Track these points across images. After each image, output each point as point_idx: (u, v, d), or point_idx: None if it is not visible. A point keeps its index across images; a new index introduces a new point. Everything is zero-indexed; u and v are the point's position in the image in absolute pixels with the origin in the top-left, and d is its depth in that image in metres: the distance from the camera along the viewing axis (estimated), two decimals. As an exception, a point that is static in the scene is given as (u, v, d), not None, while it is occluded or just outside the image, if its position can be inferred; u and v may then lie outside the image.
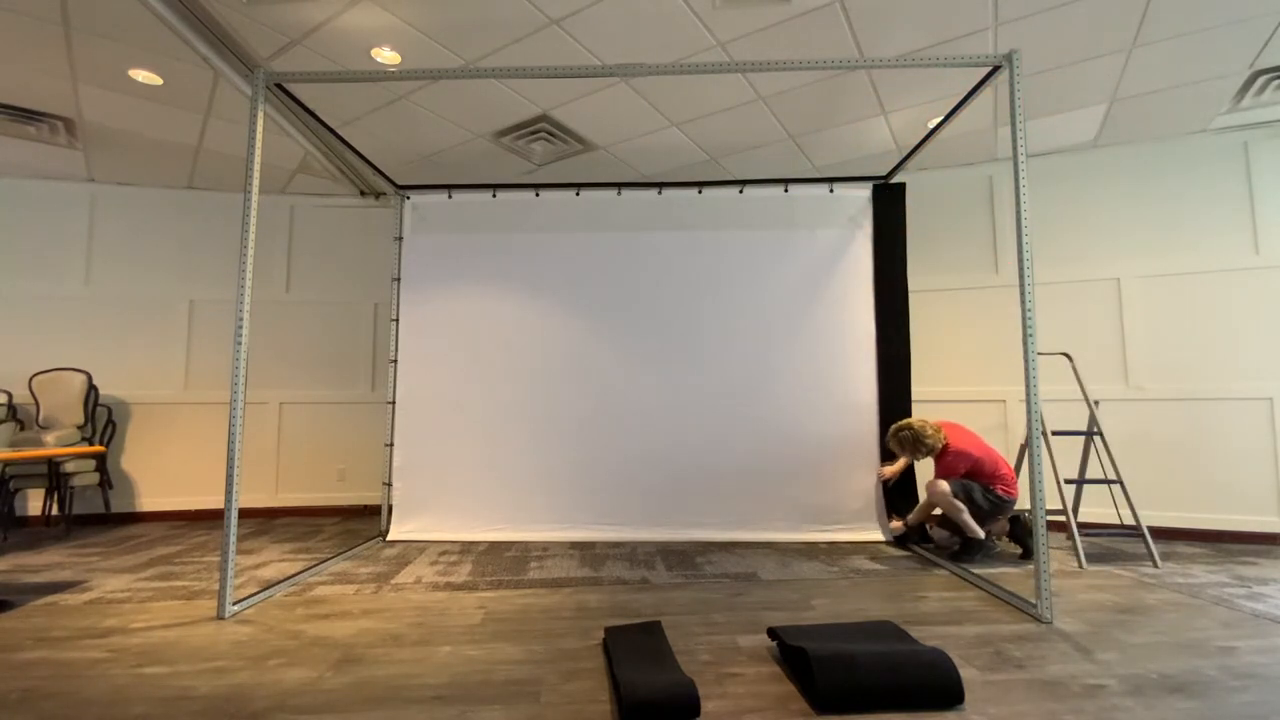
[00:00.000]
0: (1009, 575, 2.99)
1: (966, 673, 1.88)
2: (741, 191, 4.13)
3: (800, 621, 2.35)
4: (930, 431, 3.42)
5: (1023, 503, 4.00)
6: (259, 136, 2.67)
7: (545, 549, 3.61)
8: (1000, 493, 3.32)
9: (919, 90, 3.43)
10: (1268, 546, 3.56)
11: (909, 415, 3.88)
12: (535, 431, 3.99)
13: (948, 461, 3.39)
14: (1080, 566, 3.15)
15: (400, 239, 4.19)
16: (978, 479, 3.35)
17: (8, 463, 3.97)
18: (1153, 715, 1.65)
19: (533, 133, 3.91)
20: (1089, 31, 2.93)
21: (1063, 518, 3.79)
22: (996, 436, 4.19)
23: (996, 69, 2.72)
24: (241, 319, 2.57)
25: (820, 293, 4.02)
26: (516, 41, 3.00)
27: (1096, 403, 3.45)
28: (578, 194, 4.18)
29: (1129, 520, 3.78)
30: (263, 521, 4.52)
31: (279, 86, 3.00)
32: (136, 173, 4.50)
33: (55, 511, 4.23)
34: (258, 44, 3.01)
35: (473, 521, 3.89)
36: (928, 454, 3.44)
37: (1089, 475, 3.65)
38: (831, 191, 4.08)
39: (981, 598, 2.65)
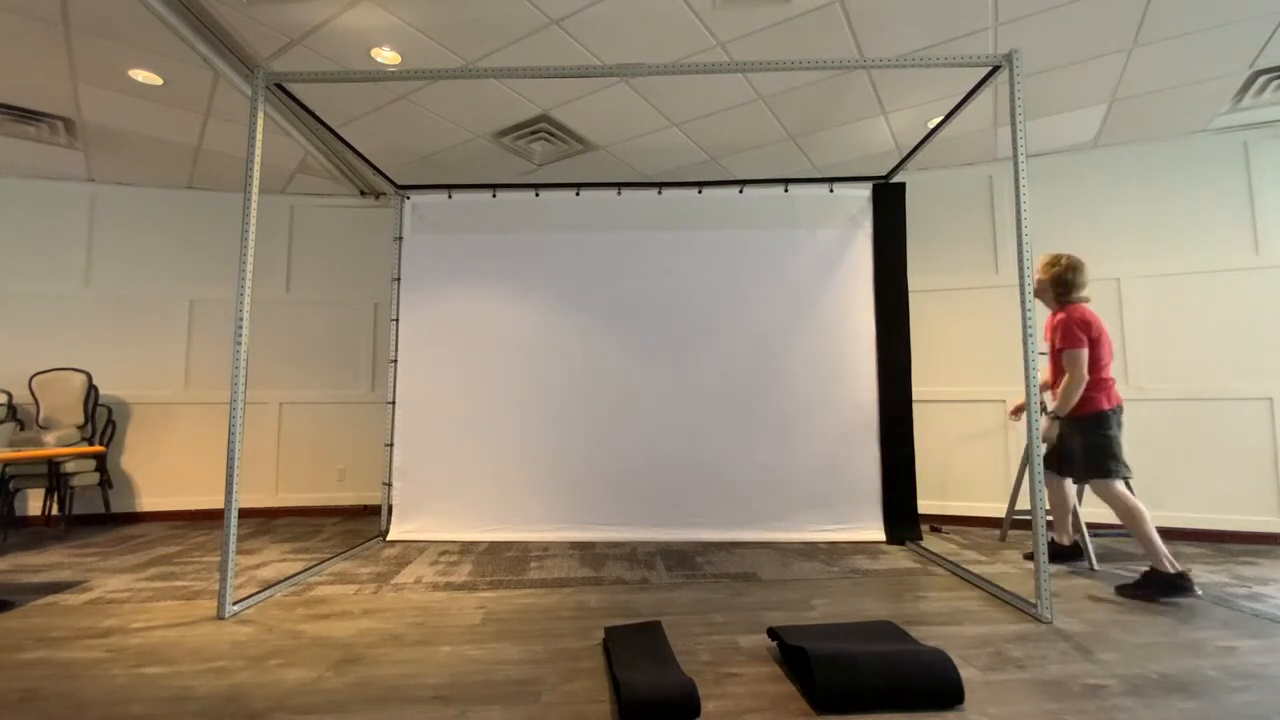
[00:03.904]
0: (1009, 575, 2.99)
1: (966, 673, 1.88)
2: (741, 191, 4.13)
3: (800, 621, 2.35)
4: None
5: (1022, 503, 4.00)
6: (259, 136, 2.67)
7: (545, 549, 3.61)
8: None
9: (919, 90, 3.43)
10: (1268, 546, 3.56)
11: (909, 415, 3.88)
12: (535, 431, 3.99)
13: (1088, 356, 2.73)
14: (1092, 568, 3.12)
15: (400, 239, 4.19)
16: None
17: (8, 463, 3.97)
18: (1153, 715, 1.65)
19: (533, 133, 3.90)
20: (1089, 31, 2.93)
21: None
22: (997, 437, 4.19)
23: (996, 69, 2.72)
24: (241, 319, 2.57)
25: (820, 293, 4.02)
26: (516, 41, 3.00)
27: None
28: (578, 194, 4.18)
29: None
30: (263, 521, 4.52)
31: (279, 86, 3.00)
32: (136, 173, 4.50)
33: (55, 511, 4.23)
34: (258, 44, 3.01)
35: (473, 521, 3.89)
36: (1065, 299, 2.85)
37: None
38: (831, 191, 4.08)
39: (981, 598, 2.65)
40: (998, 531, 3.95)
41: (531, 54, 3.09)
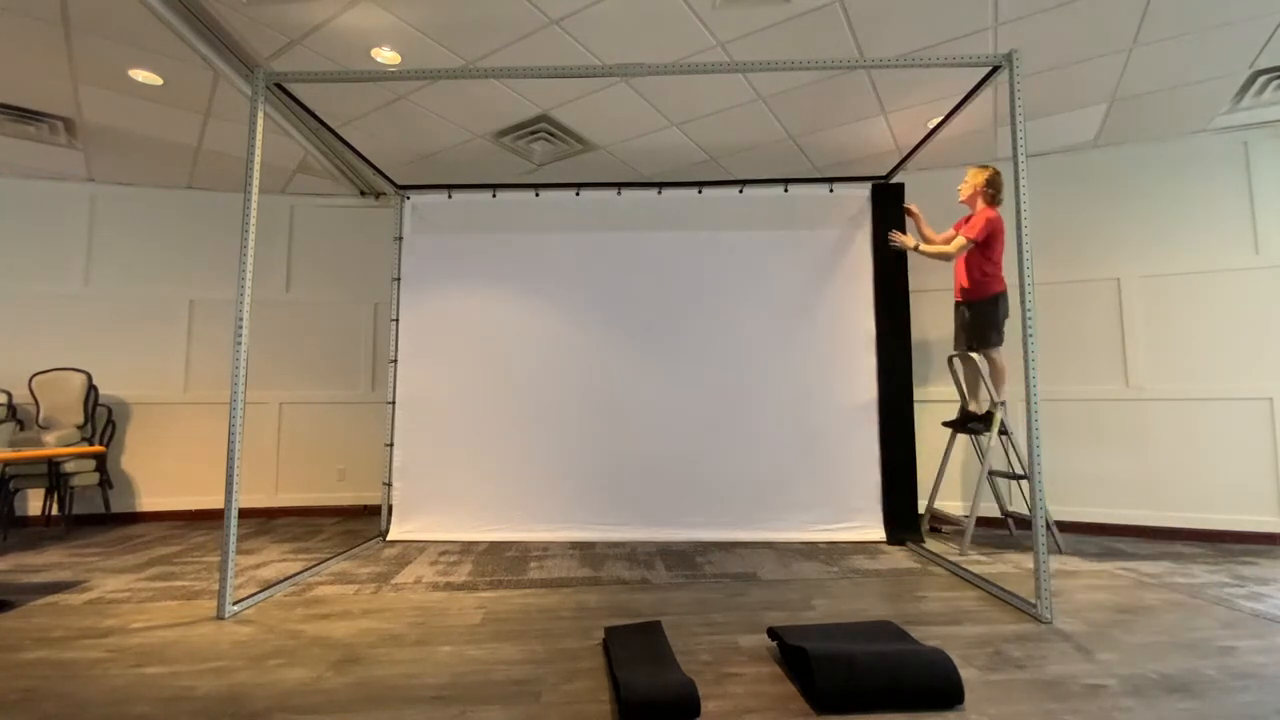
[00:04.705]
0: (1009, 575, 2.99)
1: (966, 673, 1.88)
2: (741, 191, 4.13)
3: (800, 621, 2.35)
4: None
5: (1020, 504, 4.00)
6: (259, 136, 2.67)
7: (545, 549, 3.61)
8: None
9: (919, 90, 3.43)
10: (1268, 546, 3.56)
11: (909, 415, 3.88)
12: (535, 431, 3.99)
13: (996, 249, 3.50)
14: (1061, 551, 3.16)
15: (400, 239, 4.19)
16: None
17: (8, 463, 3.97)
18: (1153, 715, 1.65)
19: (533, 133, 3.90)
20: (1089, 31, 2.93)
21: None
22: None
23: (996, 69, 2.72)
24: (241, 319, 2.57)
25: (820, 293, 4.01)
26: (516, 41, 3.00)
27: (1002, 403, 3.56)
28: (578, 194, 4.18)
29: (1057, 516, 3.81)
30: (262, 521, 4.52)
31: (279, 86, 3.00)
32: (136, 173, 4.50)
33: (55, 511, 4.24)
34: (258, 44, 3.01)
35: (473, 521, 3.89)
36: (991, 203, 3.52)
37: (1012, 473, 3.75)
38: (831, 191, 4.07)
39: (981, 598, 2.65)
40: (998, 532, 3.96)
41: (531, 54, 3.09)
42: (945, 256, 3.58)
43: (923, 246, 3.71)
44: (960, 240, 3.50)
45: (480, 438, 3.99)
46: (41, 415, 4.24)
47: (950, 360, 3.91)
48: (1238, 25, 2.88)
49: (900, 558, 3.39)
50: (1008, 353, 3.62)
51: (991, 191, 3.52)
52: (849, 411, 3.92)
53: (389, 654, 2.08)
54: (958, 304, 3.73)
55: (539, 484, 3.94)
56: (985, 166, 3.58)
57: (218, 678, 1.90)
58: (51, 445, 4.01)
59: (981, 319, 3.55)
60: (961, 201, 3.65)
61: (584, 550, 3.58)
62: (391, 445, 4.02)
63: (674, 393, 3.99)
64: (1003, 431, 3.54)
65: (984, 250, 3.50)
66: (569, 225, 4.16)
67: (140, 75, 3.26)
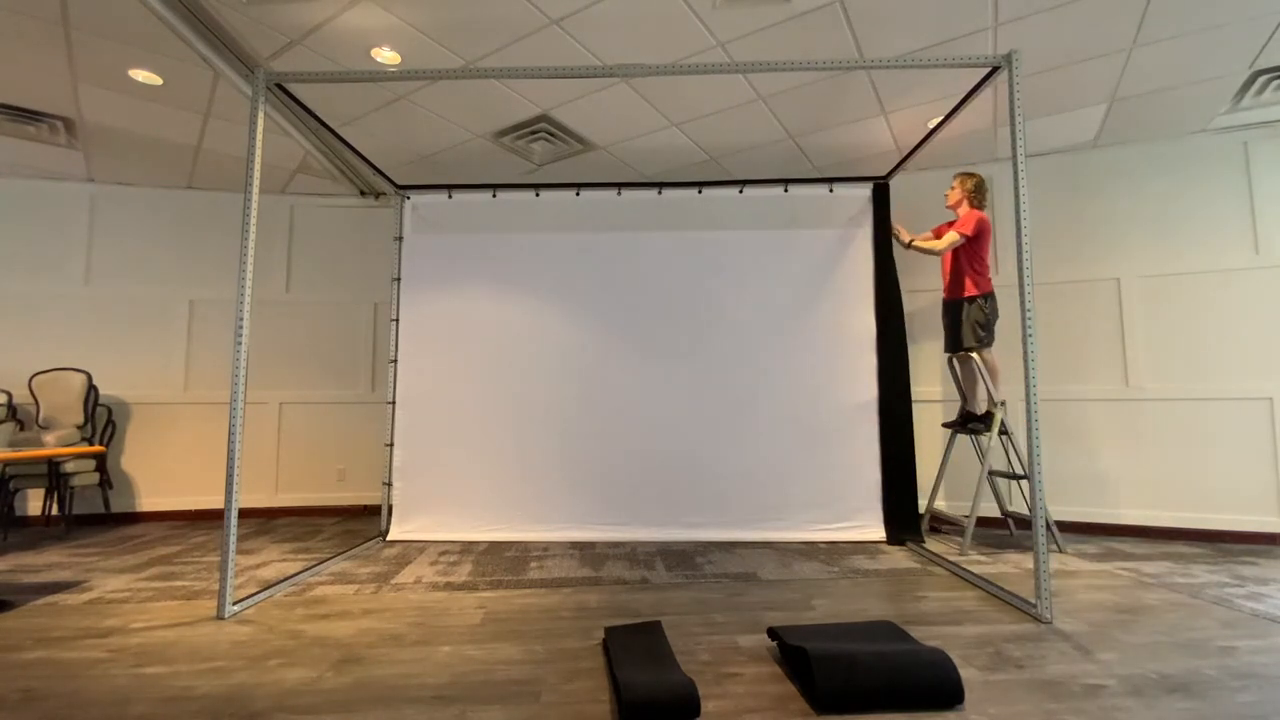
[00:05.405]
0: (1009, 575, 2.99)
1: (966, 673, 1.87)
2: (741, 191, 4.13)
3: (800, 621, 2.35)
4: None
5: (1020, 504, 4.00)
6: (259, 136, 2.67)
7: (545, 549, 3.61)
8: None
9: (919, 90, 3.43)
10: (1268, 546, 3.56)
11: (909, 415, 3.88)
12: (535, 431, 3.99)
13: (980, 243, 3.59)
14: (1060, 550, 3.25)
15: (400, 239, 4.19)
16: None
17: (8, 463, 3.97)
18: (1153, 715, 1.65)
19: (533, 133, 3.90)
20: (1089, 31, 2.93)
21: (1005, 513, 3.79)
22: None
23: (996, 69, 2.72)
24: (241, 319, 2.57)
25: (820, 293, 4.02)
26: (516, 41, 3.00)
27: (1002, 403, 3.57)
28: (578, 194, 4.18)
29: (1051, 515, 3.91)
30: (262, 521, 4.52)
31: (279, 86, 3.00)
32: (136, 173, 4.50)
33: (55, 511, 4.23)
34: (258, 44, 3.01)
35: (473, 521, 3.89)
36: (978, 206, 3.65)
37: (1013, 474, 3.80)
38: (831, 191, 4.07)
39: (981, 598, 2.66)
40: (998, 532, 3.96)
41: (531, 54, 3.09)
42: (934, 252, 3.68)
43: (915, 242, 3.79)
44: (952, 235, 3.59)
45: (480, 438, 3.99)
46: (41, 415, 4.24)
47: (949, 361, 3.91)
48: (1238, 25, 2.88)
49: (900, 558, 3.39)
50: (1006, 353, 3.63)
51: (979, 196, 3.66)
52: (849, 411, 3.92)
53: (389, 654, 2.08)
54: (946, 303, 3.80)
55: (539, 484, 3.94)
56: (972, 173, 3.73)
57: (218, 678, 1.90)
58: (51, 445, 4.01)
59: (970, 319, 3.62)
60: (948, 207, 3.78)
61: (584, 550, 3.58)
62: (391, 445, 4.02)
63: (674, 392, 3.99)
64: (1003, 431, 3.54)
65: (973, 249, 3.58)
66: (569, 225, 4.16)
67: (140, 75, 3.26)
